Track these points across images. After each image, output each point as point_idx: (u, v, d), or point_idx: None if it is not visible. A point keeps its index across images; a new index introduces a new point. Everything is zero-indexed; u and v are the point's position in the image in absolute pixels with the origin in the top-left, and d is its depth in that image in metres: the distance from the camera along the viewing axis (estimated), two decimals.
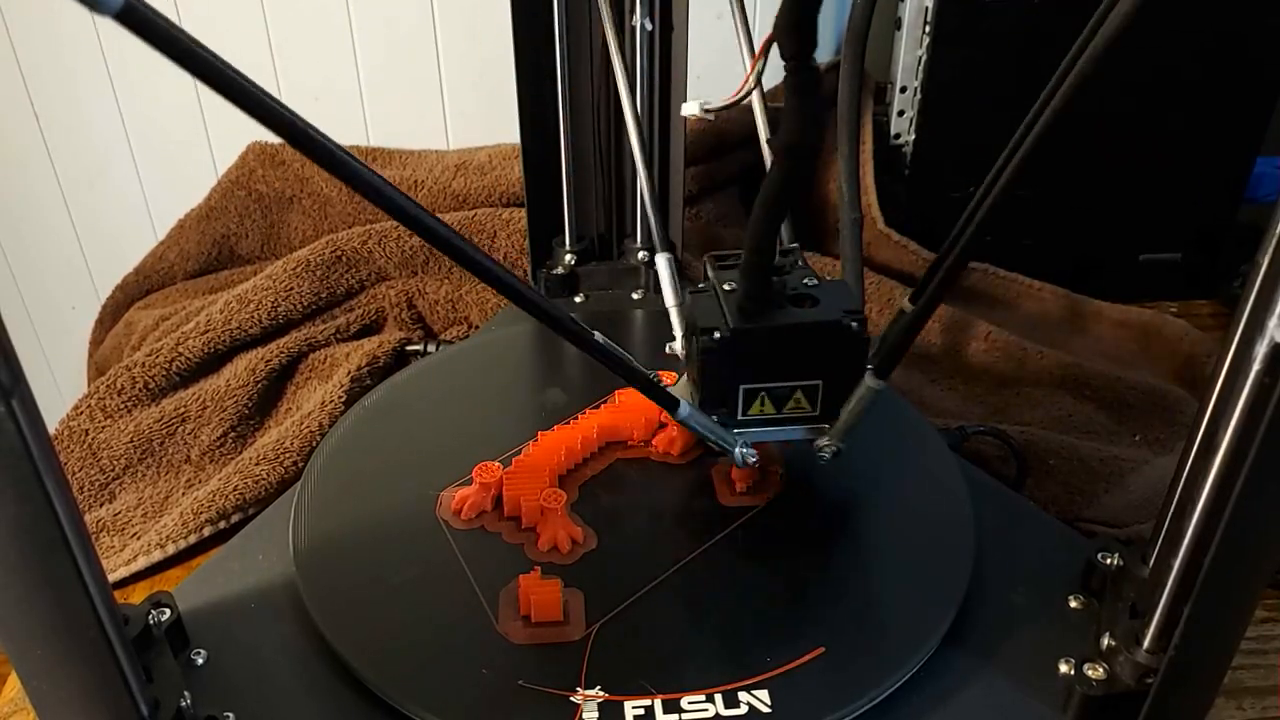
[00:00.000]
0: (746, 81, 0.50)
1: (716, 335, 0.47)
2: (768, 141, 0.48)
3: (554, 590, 0.46)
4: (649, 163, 0.64)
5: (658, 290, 0.75)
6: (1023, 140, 0.41)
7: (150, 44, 0.27)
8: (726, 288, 0.48)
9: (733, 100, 0.51)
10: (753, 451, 0.50)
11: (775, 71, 1.10)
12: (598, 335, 0.43)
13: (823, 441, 0.50)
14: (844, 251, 0.74)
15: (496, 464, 0.54)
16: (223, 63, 0.29)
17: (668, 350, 0.54)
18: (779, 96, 1.04)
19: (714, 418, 0.49)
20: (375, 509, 0.54)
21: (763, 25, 1.00)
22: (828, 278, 0.50)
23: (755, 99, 0.58)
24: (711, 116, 0.53)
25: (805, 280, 0.49)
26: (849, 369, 0.48)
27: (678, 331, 0.53)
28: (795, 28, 0.38)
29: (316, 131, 0.32)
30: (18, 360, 0.29)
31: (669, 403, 0.46)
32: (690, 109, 0.54)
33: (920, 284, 0.47)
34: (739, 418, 0.49)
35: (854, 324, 0.47)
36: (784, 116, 0.40)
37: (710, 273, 0.51)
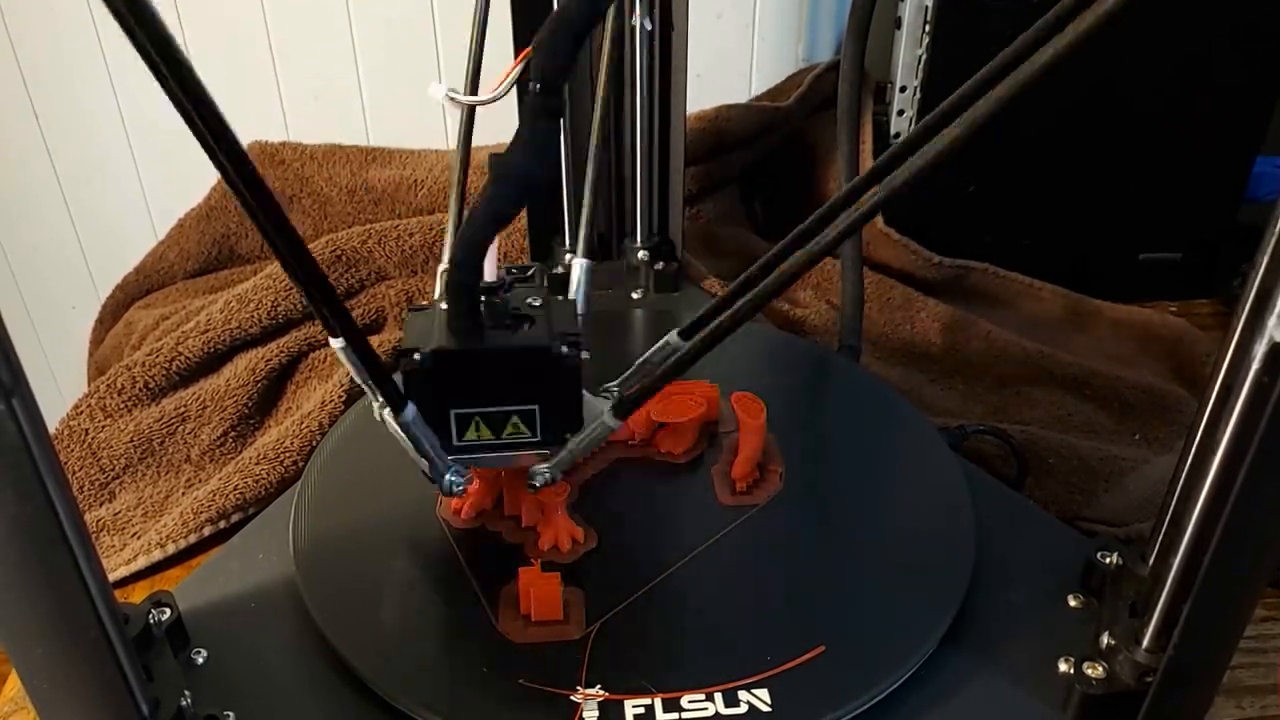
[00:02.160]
0: (502, 83, 0.49)
1: (416, 356, 0.44)
2: (491, 156, 0.42)
3: (554, 584, 0.46)
4: (604, 149, 0.62)
5: (658, 290, 0.75)
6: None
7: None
8: (444, 306, 0.46)
9: (485, 99, 0.50)
10: (460, 481, 0.47)
11: (775, 71, 1.10)
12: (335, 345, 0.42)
13: (539, 469, 0.47)
14: (844, 251, 0.75)
15: None
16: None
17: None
18: (777, 96, 1.04)
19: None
20: (375, 508, 0.54)
21: (762, 24, 1.01)
22: (560, 298, 0.49)
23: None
24: (456, 108, 0.52)
25: (530, 300, 0.47)
26: (563, 395, 0.46)
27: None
28: (550, 45, 0.36)
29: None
30: (18, 360, 0.29)
31: (396, 404, 0.44)
32: (437, 91, 0.52)
33: (697, 319, 0.45)
34: (454, 443, 0.46)
35: (564, 348, 0.45)
36: (513, 139, 0.38)
37: (439, 288, 0.49)
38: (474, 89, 0.56)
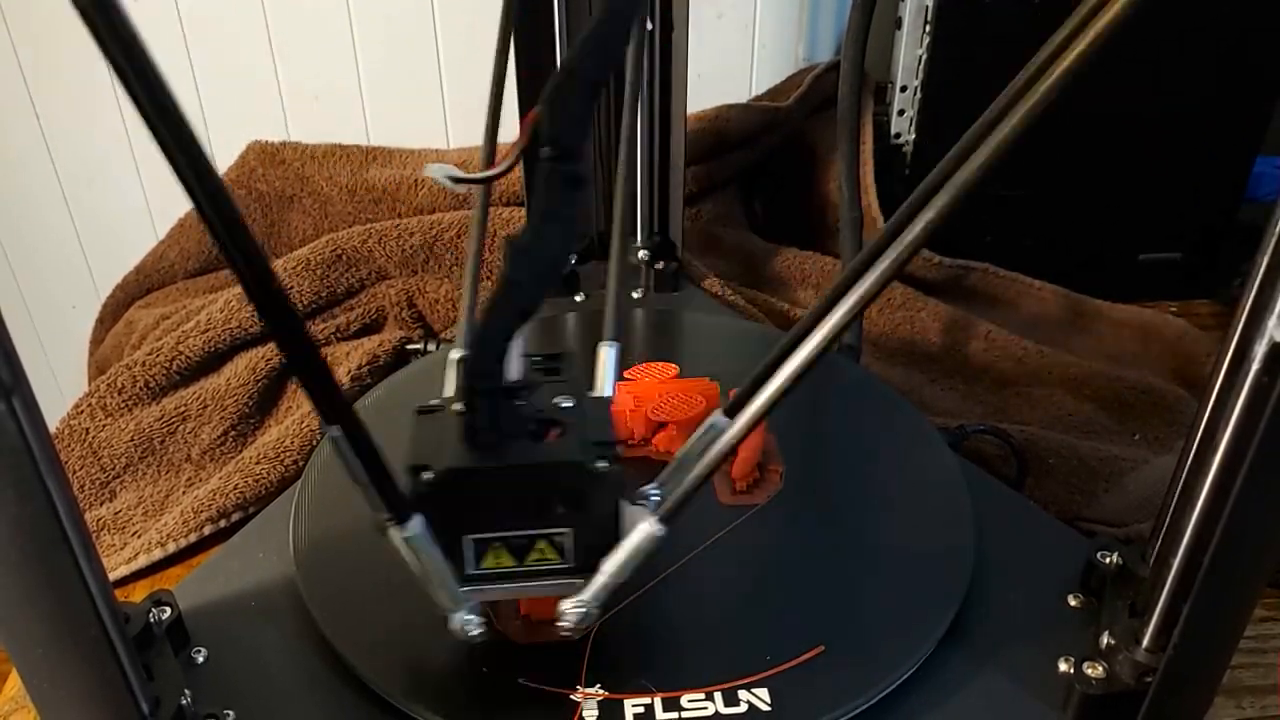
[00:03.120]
0: (507, 156, 0.39)
1: (427, 475, 0.37)
2: (507, 239, 0.34)
3: None
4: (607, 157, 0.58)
5: (658, 290, 0.75)
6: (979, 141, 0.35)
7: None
8: (458, 407, 0.38)
9: (488, 175, 0.43)
10: (475, 621, 0.40)
11: (775, 71, 1.09)
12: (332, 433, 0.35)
13: (567, 605, 0.40)
14: (844, 251, 0.75)
15: None
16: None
17: None
18: (777, 96, 1.04)
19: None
20: None
21: (762, 24, 1.00)
22: (591, 394, 0.42)
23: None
24: (456, 187, 0.43)
25: (557, 400, 0.40)
26: (597, 515, 0.39)
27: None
28: (562, 104, 0.30)
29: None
30: (18, 359, 0.29)
31: (397, 509, 0.37)
32: (437, 171, 0.42)
33: (739, 397, 0.38)
34: (469, 572, 0.39)
35: (599, 463, 0.38)
36: (528, 215, 0.35)
37: (451, 381, 0.42)
38: (489, 161, 0.50)
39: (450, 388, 0.45)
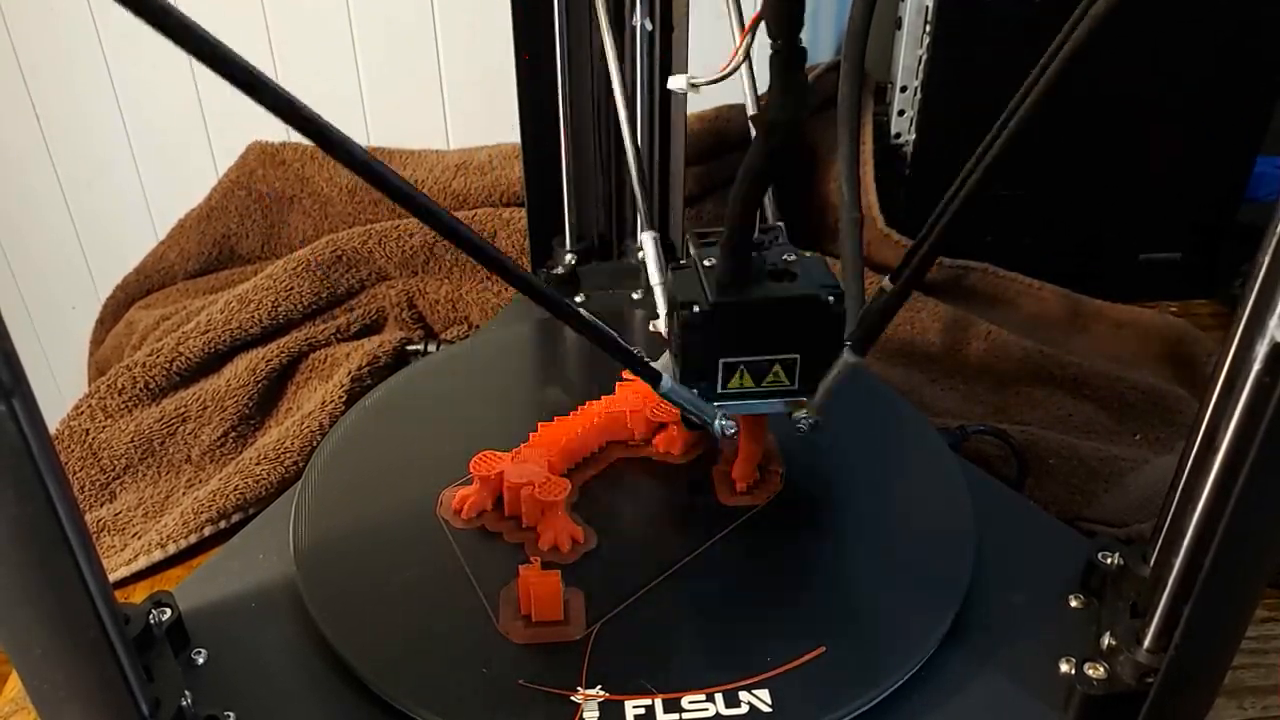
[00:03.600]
0: (735, 56, 0.50)
1: (696, 309, 0.47)
2: (752, 118, 0.47)
3: (554, 582, 0.46)
4: (636, 145, 0.63)
5: None
6: (1004, 126, 0.41)
7: (152, 25, 0.27)
8: (707, 263, 0.48)
9: (721, 75, 0.51)
10: (732, 424, 0.49)
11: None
12: (584, 313, 0.43)
13: (800, 414, 0.49)
14: (844, 251, 0.74)
15: (494, 453, 0.54)
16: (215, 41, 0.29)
17: (651, 328, 0.54)
18: None
19: (694, 391, 0.49)
20: (375, 509, 0.54)
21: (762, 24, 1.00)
22: (806, 254, 0.50)
23: (744, 76, 0.59)
24: (698, 92, 0.53)
25: (784, 255, 0.49)
26: (826, 343, 0.48)
27: (661, 309, 0.53)
28: (781, 4, 0.39)
29: (317, 116, 0.33)
30: (18, 360, 0.29)
31: (652, 377, 0.46)
32: (677, 83, 0.54)
33: (899, 265, 0.47)
34: (719, 391, 0.49)
35: (831, 298, 0.47)
36: (769, 92, 0.40)
37: (692, 249, 0.51)
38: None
39: (650, 255, 0.57)
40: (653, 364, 0.47)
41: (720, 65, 0.50)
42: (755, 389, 0.49)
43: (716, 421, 0.49)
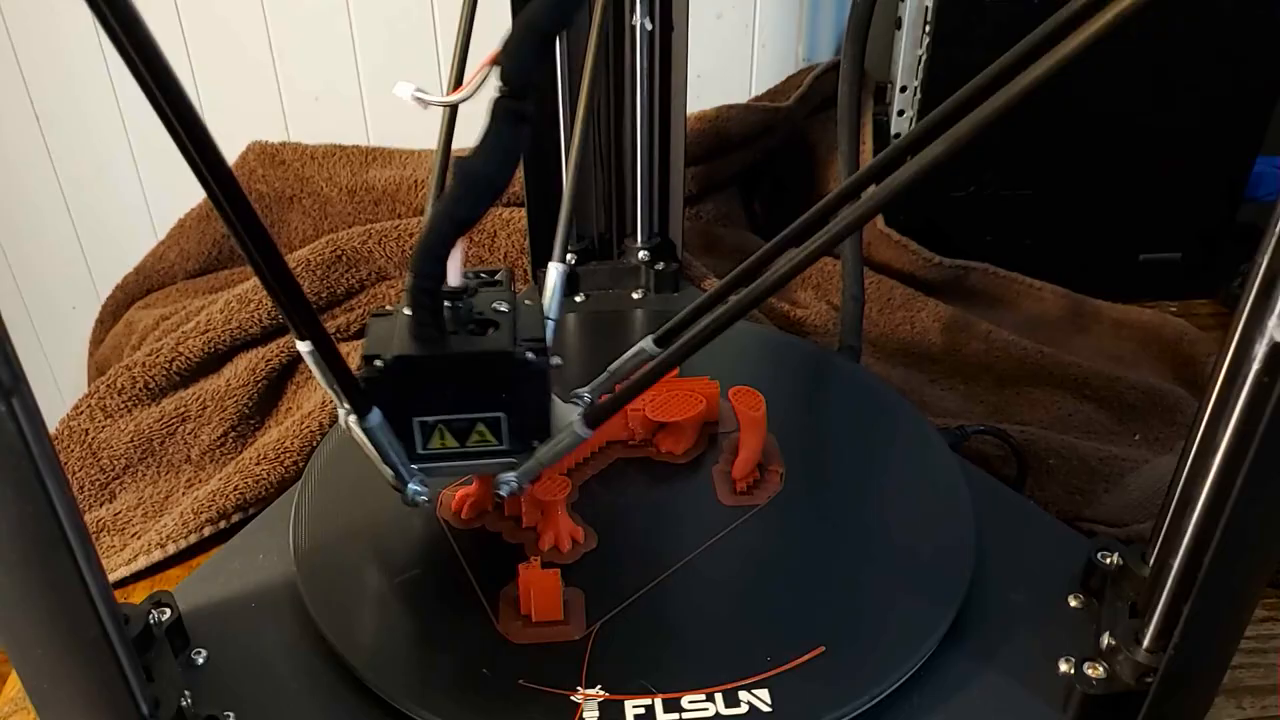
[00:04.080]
0: (469, 84, 0.46)
1: (378, 363, 0.43)
2: (456, 160, 0.41)
3: (554, 581, 0.46)
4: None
5: (658, 290, 0.75)
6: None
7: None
8: (407, 311, 0.44)
9: (451, 99, 0.49)
10: (423, 491, 0.46)
11: (775, 71, 1.09)
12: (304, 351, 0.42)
13: (504, 477, 0.46)
14: (844, 251, 0.75)
15: None
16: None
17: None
18: (777, 96, 1.04)
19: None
20: (375, 509, 0.54)
21: (762, 24, 1.00)
22: (527, 302, 0.48)
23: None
24: (424, 107, 0.49)
25: (495, 304, 0.46)
26: (528, 401, 0.45)
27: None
28: (517, 48, 0.36)
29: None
30: (18, 360, 0.29)
31: (360, 407, 0.43)
32: (404, 90, 0.49)
33: (671, 325, 0.45)
34: (419, 451, 0.45)
35: (529, 354, 0.44)
36: (478, 140, 0.38)
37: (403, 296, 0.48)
38: (456, 89, 0.54)
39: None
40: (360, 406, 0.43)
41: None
42: (460, 449, 0.45)
43: (410, 485, 0.46)
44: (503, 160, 0.38)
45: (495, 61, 0.37)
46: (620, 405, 0.44)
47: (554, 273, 0.51)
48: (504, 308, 0.46)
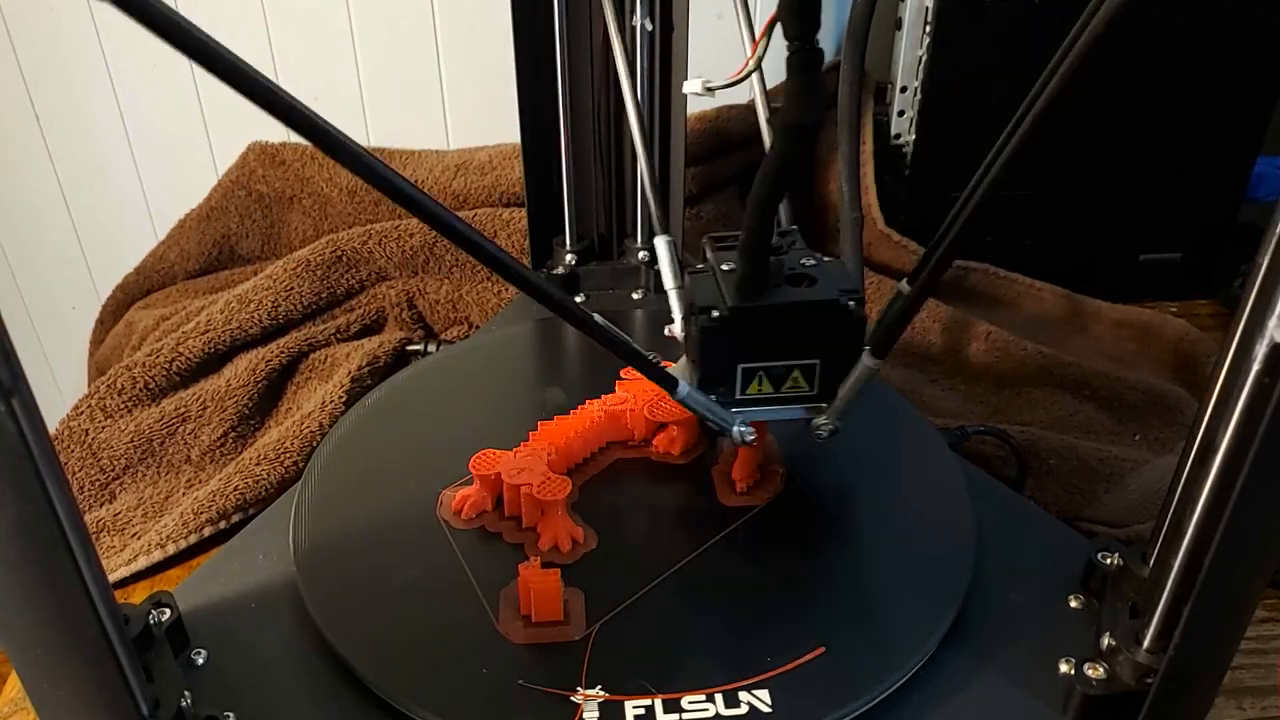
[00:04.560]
0: (748, 62, 0.49)
1: (715, 314, 0.46)
2: (768, 121, 0.47)
3: (553, 581, 0.46)
4: (649, 148, 0.63)
5: (659, 290, 0.75)
6: (1015, 131, 0.41)
7: (145, 25, 0.27)
8: (725, 268, 0.48)
9: (735, 79, 0.50)
10: (751, 430, 0.49)
11: (775, 71, 1.09)
12: (597, 317, 0.43)
13: (820, 420, 0.49)
14: (844, 251, 0.74)
15: (495, 452, 0.54)
16: (218, 46, 0.29)
17: (666, 333, 0.54)
18: (778, 96, 1.04)
19: (712, 397, 0.48)
20: (375, 509, 0.54)
21: (764, 11, 1.00)
22: (826, 259, 0.50)
23: (755, 81, 0.58)
24: (713, 95, 0.52)
25: (803, 260, 0.49)
26: (846, 348, 0.48)
27: (677, 314, 0.53)
28: (799, 7, 0.38)
29: (317, 117, 0.33)
30: (18, 360, 0.29)
31: (668, 382, 0.46)
32: (692, 86, 0.54)
33: (916, 267, 0.47)
34: (737, 397, 0.48)
35: (851, 303, 0.46)
36: (785, 95, 0.40)
37: (709, 254, 0.51)
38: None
39: (665, 261, 0.56)
40: (669, 369, 0.47)
41: (736, 66, 0.50)
42: (774, 394, 0.49)
43: (736, 428, 0.49)
44: (813, 103, 0.40)
45: (771, 26, 0.40)
46: (896, 336, 0.47)
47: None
48: (812, 262, 0.49)
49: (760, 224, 0.45)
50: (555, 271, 0.74)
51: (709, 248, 0.51)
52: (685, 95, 0.71)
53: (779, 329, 0.47)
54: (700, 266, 0.51)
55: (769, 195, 0.44)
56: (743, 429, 0.49)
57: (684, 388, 0.46)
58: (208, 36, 0.29)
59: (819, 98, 0.40)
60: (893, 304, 0.48)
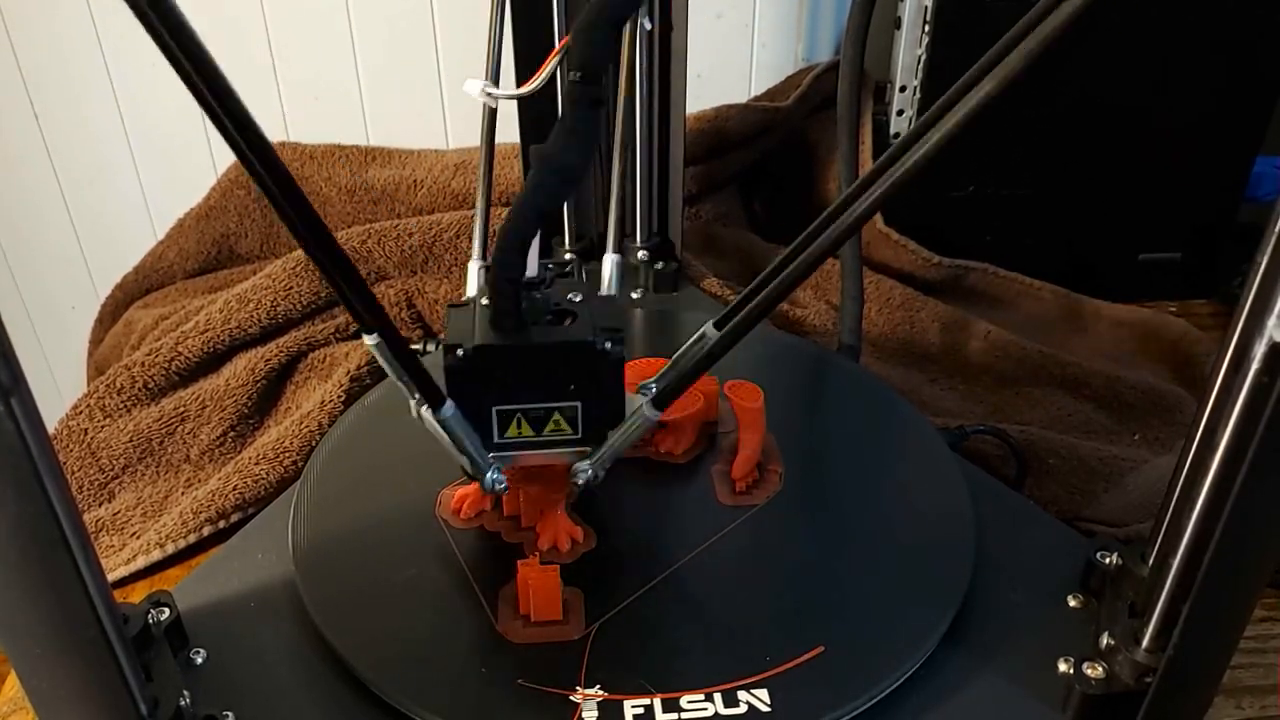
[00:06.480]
0: (539, 74, 0.48)
1: (459, 352, 0.44)
2: (530, 148, 0.42)
3: (553, 578, 0.46)
4: (626, 156, 0.62)
5: (658, 290, 0.75)
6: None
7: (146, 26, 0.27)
8: (484, 301, 0.45)
9: (521, 92, 0.50)
10: (502, 480, 0.46)
11: (775, 71, 1.09)
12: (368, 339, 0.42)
13: (581, 465, 0.47)
14: (843, 251, 0.75)
15: None
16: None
17: None
18: (777, 96, 1.04)
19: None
20: (375, 508, 0.54)
21: (762, 24, 1.01)
22: (600, 293, 0.48)
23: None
24: (494, 103, 0.50)
25: (571, 295, 0.46)
26: (605, 391, 0.45)
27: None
28: (588, 35, 0.36)
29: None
30: (18, 360, 0.29)
31: (434, 399, 0.43)
32: (473, 88, 0.51)
33: (728, 310, 0.45)
34: (495, 440, 0.46)
35: (607, 344, 0.44)
36: (554, 129, 0.38)
37: (477, 285, 0.49)
38: (494, 82, 0.56)
39: (472, 289, 0.54)
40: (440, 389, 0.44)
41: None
42: (536, 437, 0.46)
43: (488, 474, 0.46)
44: (583, 145, 0.38)
45: (565, 49, 0.39)
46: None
47: (609, 263, 0.53)
48: (578, 298, 0.46)
49: (506, 258, 0.42)
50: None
51: (483, 276, 0.49)
52: (684, 95, 0.71)
53: (530, 369, 0.45)
54: (464, 300, 0.48)
55: (516, 229, 0.41)
56: (495, 476, 0.46)
57: (449, 409, 0.44)
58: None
59: (588, 142, 0.38)
60: (691, 349, 0.46)
